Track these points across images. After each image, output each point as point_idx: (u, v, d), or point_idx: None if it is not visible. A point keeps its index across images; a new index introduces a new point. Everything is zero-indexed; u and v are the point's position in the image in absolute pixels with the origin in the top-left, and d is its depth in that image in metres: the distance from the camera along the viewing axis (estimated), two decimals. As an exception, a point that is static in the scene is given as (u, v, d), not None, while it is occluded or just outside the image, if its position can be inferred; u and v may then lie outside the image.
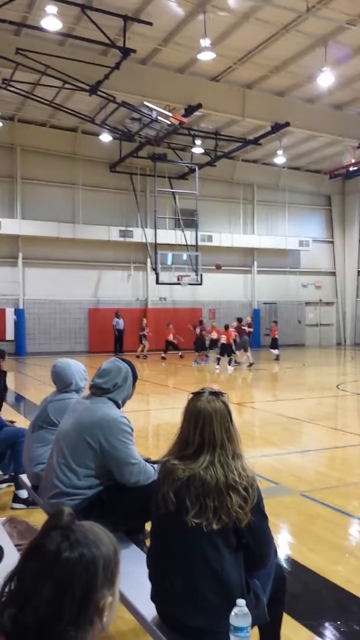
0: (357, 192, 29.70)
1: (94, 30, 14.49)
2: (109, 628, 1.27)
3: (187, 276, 23.44)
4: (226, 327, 18.98)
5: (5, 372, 6.52)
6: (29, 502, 5.08)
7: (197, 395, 2.39)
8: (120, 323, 23.66)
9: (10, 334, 23.04)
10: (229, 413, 2.34)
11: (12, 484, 5.43)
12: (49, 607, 1.16)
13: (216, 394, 2.37)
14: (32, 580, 1.18)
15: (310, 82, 18.62)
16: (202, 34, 14.80)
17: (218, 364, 18.45)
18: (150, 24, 14.83)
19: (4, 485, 5.73)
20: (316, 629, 3.16)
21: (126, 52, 15.08)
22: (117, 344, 23.55)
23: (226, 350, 18.40)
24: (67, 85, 17.07)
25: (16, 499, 5.21)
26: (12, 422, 6.01)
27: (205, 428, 2.28)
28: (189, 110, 18.59)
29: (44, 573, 1.18)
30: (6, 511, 5.04)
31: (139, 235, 24.87)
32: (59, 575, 1.17)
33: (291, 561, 4.06)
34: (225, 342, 18.41)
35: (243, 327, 19.83)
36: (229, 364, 18.10)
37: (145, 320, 23.16)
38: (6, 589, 1.21)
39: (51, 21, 13.71)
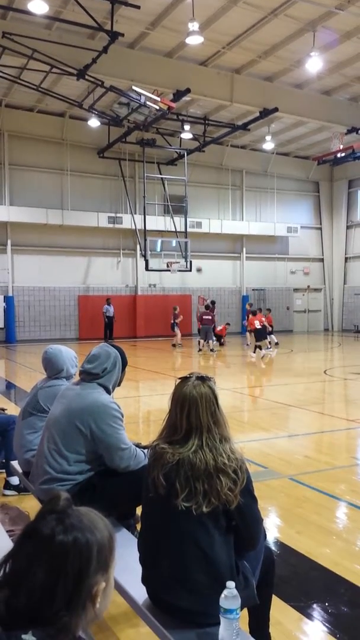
0: (345, 179, 29.71)
1: (81, 14, 14.31)
2: (102, 614, 1.27)
3: (177, 263, 23.41)
4: (254, 313, 20.00)
5: None
6: (20, 489, 5.11)
7: (183, 380, 2.41)
8: (110, 310, 23.68)
9: (-1, 321, 23.00)
10: (215, 397, 2.37)
11: (3, 470, 5.45)
12: (42, 590, 1.16)
13: (202, 379, 2.40)
14: (26, 563, 1.18)
15: (298, 68, 18.53)
16: (190, 18, 14.65)
17: (268, 347, 19.08)
18: (137, 7, 14.64)
19: (-5, 472, 5.74)
20: (304, 611, 3.21)
21: (114, 35, 14.91)
22: (107, 331, 23.60)
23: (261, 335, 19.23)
24: (54, 70, 16.86)
25: (7, 485, 5.24)
26: (2, 409, 6.02)
27: (192, 413, 2.31)
28: (178, 95, 18.44)
29: (38, 556, 1.18)
30: (-3, 498, 5.06)
31: (128, 221, 24.75)
32: (52, 559, 1.18)
33: (280, 544, 4.12)
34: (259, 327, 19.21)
35: (206, 317, 19.89)
36: (262, 349, 18.98)
37: (177, 308, 22.49)
38: (0, 572, 1.21)
39: (38, 4, 13.51)
